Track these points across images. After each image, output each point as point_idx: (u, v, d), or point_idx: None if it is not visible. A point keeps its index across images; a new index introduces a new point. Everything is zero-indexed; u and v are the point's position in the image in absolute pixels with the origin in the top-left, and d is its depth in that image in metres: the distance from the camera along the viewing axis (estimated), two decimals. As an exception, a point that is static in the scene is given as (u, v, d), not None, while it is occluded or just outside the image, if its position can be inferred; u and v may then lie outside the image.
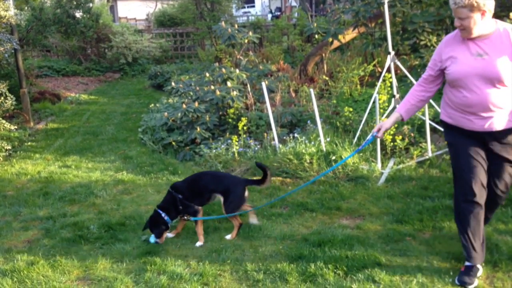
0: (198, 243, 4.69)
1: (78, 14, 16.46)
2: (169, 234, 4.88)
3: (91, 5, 16.77)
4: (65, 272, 4.20)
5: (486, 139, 3.66)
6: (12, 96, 9.22)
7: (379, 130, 4.03)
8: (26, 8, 15.18)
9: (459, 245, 4.01)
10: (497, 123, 3.55)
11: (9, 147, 8.37)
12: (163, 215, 4.68)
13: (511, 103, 3.51)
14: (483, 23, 3.41)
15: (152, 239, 4.70)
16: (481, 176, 3.69)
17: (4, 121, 8.80)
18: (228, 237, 4.75)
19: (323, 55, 11.34)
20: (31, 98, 11.84)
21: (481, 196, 3.72)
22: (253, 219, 5.06)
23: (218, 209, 5.05)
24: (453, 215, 4.77)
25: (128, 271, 4.18)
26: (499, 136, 3.61)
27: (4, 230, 5.15)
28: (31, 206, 5.88)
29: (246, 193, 4.89)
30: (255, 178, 5.15)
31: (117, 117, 11.70)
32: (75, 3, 15.75)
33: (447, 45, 3.69)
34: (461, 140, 3.77)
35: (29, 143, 9.22)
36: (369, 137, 4.42)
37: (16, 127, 9.33)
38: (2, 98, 8.97)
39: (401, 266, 4.07)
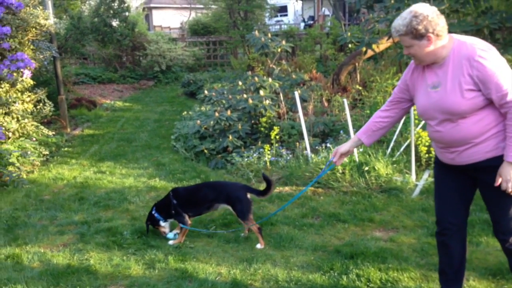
0: (171, 242, 4.90)
1: (115, 23, 16.86)
2: (169, 234, 5.05)
3: (127, 14, 17.17)
4: (99, 277, 4.26)
5: (468, 171, 3.22)
6: (50, 103, 9.48)
7: (336, 154, 3.65)
8: (65, 16, 15.64)
9: (496, 261, 3.90)
10: (471, 156, 3.09)
11: (47, 152, 8.58)
12: (153, 211, 5.01)
13: (484, 132, 3.01)
14: (435, 48, 3.00)
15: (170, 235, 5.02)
16: (451, 205, 3.39)
17: (42, 127, 9.06)
18: (258, 246, 4.74)
19: (356, 64, 11.25)
20: (68, 104, 12.14)
21: (449, 225, 3.42)
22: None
23: (216, 219, 5.06)
24: (490, 230, 4.64)
25: (160, 278, 4.21)
26: (481, 168, 3.13)
27: (41, 234, 5.26)
28: (67, 211, 6.00)
29: (249, 196, 4.87)
30: (260, 188, 5.13)
31: (150, 124, 11.87)
32: (112, 12, 16.15)
33: (413, 71, 3.28)
34: (441, 172, 3.43)
35: (66, 149, 9.44)
36: (327, 164, 4.16)
37: (53, 132, 9.57)
38: (41, 104, 9.23)
39: (436, 281, 3.97)
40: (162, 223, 5.04)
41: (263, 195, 4.91)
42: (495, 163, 3.01)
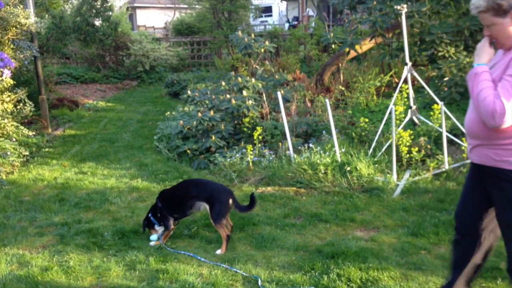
0: (152, 243, 4.89)
1: (97, 22, 16.69)
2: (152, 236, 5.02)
3: (110, 13, 17.01)
4: (79, 279, 4.22)
5: (479, 173, 3.09)
6: (31, 103, 9.35)
7: None
8: (46, 16, 15.43)
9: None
10: (480, 157, 2.98)
11: (27, 153, 8.46)
12: (150, 215, 5.03)
13: (497, 136, 2.83)
14: None
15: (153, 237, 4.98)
16: (467, 210, 3.30)
17: (22, 127, 8.92)
18: (218, 252, 4.67)
19: (340, 65, 11.31)
20: (50, 104, 12.00)
21: (465, 231, 3.34)
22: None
23: (198, 219, 5.06)
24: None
25: (141, 279, 4.18)
26: (488, 175, 2.98)
27: (20, 236, 5.19)
28: (47, 212, 5.93)
29: (231, 202, 4.81)
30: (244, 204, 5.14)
31: (133, 124, 11.79)
32: (94, 11, 15.99)
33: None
34: (468, 173, 3.31)
35: (47, 149, 9.32)
36: None
37: (34, 133, 9.44)
38: (21, 104, 9.10)
39: (416, 280, 4.01)
40: (156, 227, 4.99)
41: (242, 210, 4.93)
42: (502, 175, 2.86)
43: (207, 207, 4.78)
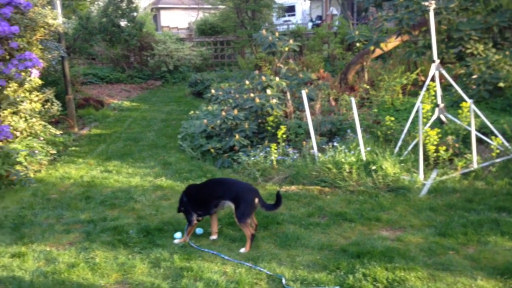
0: (176, 241, 4.90)
1: (123, 23, 16.89)
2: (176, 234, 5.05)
3: (135, 14, 17.19)
4: (104, 276, 4.25)
5: None
6: (58, 102, 9.52)
7: None
8: (73, 17, 15.69)
9: (504, 260, 3.85)
10: None
11: (54, 152, 8.61)
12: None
13: None
14: None
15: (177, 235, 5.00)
16: None
17: (50, 126, 9.09)
18: (242, 250, 4.66)
19: (364, 63, 11.19)
20: (76, 104, 12.18)
21: None
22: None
23: (222, 218, 5.02)
24: (499, 229, 4.60)
25: (165, 277, 4.19)
26: None
27: (47, 233, 5.27)
28: (73, 210, 6.01)
29: (256, 201, 4.78)
30: (271, 202, 5.09)
31: (157, 123, 11.88)
32: (120, 12, 16.18)
33: None
34: None
35: (73, 148, 9.46)
36: None
37: (61, 132, 9.60)
38: (49, 104, 9.27)
39: (444, 281, 3.93)
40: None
41: (268, 208, 4.89)
42: None
43: (233, 206, 4.77)
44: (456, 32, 8.47)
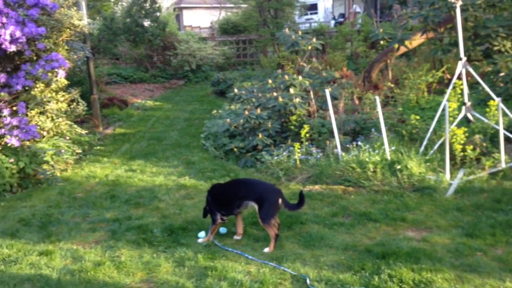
0: (200, 240, 4.91)
1: (146, 23, 17.06)
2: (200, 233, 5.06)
3: (158, 14, 17.33)
4: (130, 274, 4.29)
5: None
6: (83, 102, 9.67)
7: None
8: (98, 17, 15.90)
9: (536, 263, 3.75)
10: None
11: (80, 151, 8.74)
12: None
13: None
14: None
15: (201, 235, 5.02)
16: None
17: (75, 126, 9.23)
18: (266, 250, 4.64)
19: (388, 61, 11.06)
20: (101, 104, 12.35)
21: None
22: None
23: (245, 217, 5.01)
24: (529, 231, 4.49)
25: (190, 276, 4.21)
26: None
27: (73, 231, 5.35)
28: (99, 208, 6.09)
29: (280, 202, 4.74)
30: (294, 202, 5.06)
31: (180, 123, 11.95)
32: (143, 12, 16.34)
33: None
34: None
35: (98, 147, 9.59)
36: None
37: (86, 131, 9.75)
38: (75, 103, 9.41)
39: (472, 282, 3.85)
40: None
41: (291, 208, 4.85)
42: None
43: (256, 207, 4.75)
44: (483, 29, 8.32)
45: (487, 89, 6.80)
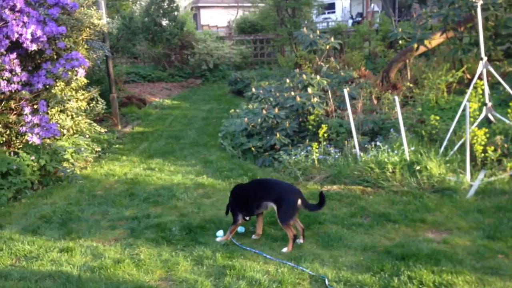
0: (219, 239, 4.93)
1: (164, 22, 17.17)
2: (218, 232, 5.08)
3: (176, 13, 17.42)
4: (149, 272, 4.33)
5: None
6: (102, 101, 9.76)
7: None
8: (117, 17, 16.03)
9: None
10: None
11: (99, 149, 8.83)
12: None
13: None
14: None
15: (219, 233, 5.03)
16: None
17: (95, 124, 9.33)
18: (284, 250, 4.63)
19: (407, 61, 10.96)
20: (119, 102, 12.46)
21: None
22: (300, 239, 4.85)
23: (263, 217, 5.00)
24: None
25: (208, 274, 4.23)
26: None
27: (93, 228, 5.40)
28: (118, 206, 6.14)
29: (299, 202, 4.70)
30: (312, 202, 5.01)
31: (198, 122, 12.00)
32: (162, 11, 16.45)
33: None
34: None
35: (117, 146, 9.67)
36: None
37: (105, 130, 9.84)
38: (94, 102, 9.51)
39: (493, 285, 3.80)
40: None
41: (311, 209, 4.82)
42: None
43: (275, 207, 4.74)
44: (504, 29, 8.21)
45: (508, 89, 6.71)
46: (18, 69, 6.87)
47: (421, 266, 4.11)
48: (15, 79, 6.87)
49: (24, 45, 6.83)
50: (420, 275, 3.94)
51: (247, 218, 5.02)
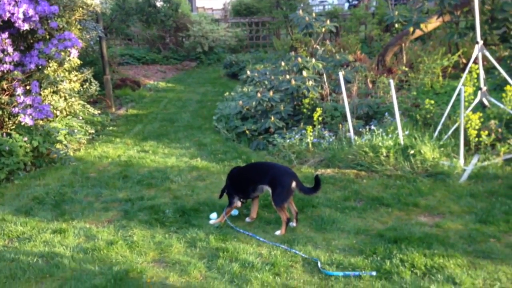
0: (212, 221, 4.94)
1: (159, 4, 16.95)
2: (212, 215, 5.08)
3: (171, -6, 17.21)
4: (142, 254, 4.33)
5: None
6: (96, 82, 9.67)
7: None
8: (110, -3, 15.80)
9: None
10: None
11: (93, 131, 8.79)
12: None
13: None
14: None
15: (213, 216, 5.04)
16: None
17: (88, 106, 9.27)
18: (278, 233, 4.64)
19: (403, 45, 10.90)
20: (113, 85, 12.35)
21: None
22: (293, 223, 4.85)
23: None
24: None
25: (201, 257, 4.24)
26: None
27: (87, 210, 5.39)
28: (112, 188, 6.13)
29: (294, 185, 4.68)
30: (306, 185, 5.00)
31: (192, 104, 11.94)
32: (156, -8, 16.23)
33: None
34: None
35: (111, 128, 9.62)
36: None
37: (99, 112, 9.78)
38: (87, 84, 9.43)
39: (484, 269, 3.83)
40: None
41: (306, 192, 4.80)
42: None
43: (270, 190, 4.73)
44: (500, 13, 8.14)
45: (503, 74, 6.69)
46: (10, 49, 6.79)
47: (413, 249, 4.14)
48: (7, 59, 6.79)
49: (16, 24, 6.74)
50: (412, 258, 3.97)
51: (243, 201, 5.02)
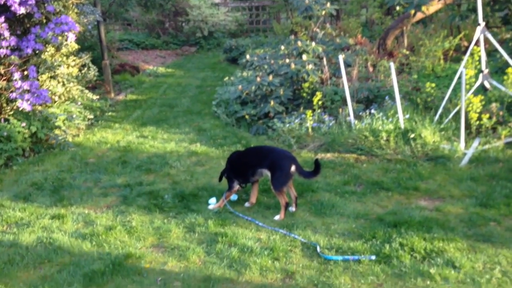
0: (211, 206, 4.91)
1: (158, -13, 16.77)
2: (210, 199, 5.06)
3: (170, -22, 17.02)
4: (141, 239, 4.31)
5: None
6: (94, 67, 9.61)
7: None
8: (108, -19, 15.65)
9: None
10: None
11: (91, 116, 8.74)
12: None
13: None
14: None
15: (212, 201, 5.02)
16: None
17: (87, 91, 9.21)
18: (277, 217, 4.62)
19: (404, 28, 10.80)
20: (112, 70, 12.26)
21: None
22: (292, 207, 4.82)
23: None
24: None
25: (200, 242, 4.22)
26: None
27: (85, 196, 5.38)
28: (110, 174, 6.10)
29: (293, 169, 4.64)
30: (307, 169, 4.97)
31: (192, 90, 11.88)
32: (155, -24, 16.05)
33: None
34: None
35: (110, 113, 9.57)
36: None
37: (98, 97, 9.72)
38: (86, 69, 9.36)
39: (484, 252, 3.81)
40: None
41: (306, 176, 4.77)
42: None
43: (269, 174, 4.70)
44: (503, -6, 8.05)
45: (505, 56, 6.62)
46: (6, 33, 6.70)
47: (413, 233, 4.12)
48: (4, 43, 6.71)
49: (12, 8, 6.65)
50: (412, 242, 3.95)
51: (243, 185, 4.98)
